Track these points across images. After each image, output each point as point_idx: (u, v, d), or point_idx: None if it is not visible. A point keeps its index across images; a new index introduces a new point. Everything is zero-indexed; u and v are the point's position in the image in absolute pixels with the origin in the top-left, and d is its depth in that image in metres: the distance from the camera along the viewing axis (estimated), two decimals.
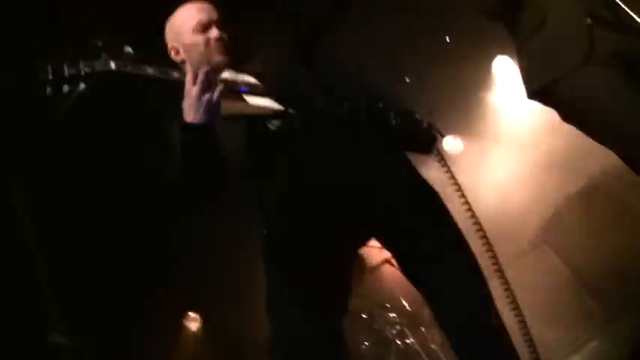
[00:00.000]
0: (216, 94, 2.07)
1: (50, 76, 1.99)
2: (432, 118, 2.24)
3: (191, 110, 2.05)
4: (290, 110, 2.22)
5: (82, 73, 2.00)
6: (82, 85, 2.00)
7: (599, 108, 2.12)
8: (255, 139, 2.19)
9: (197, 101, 2.04)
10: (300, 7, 2.43)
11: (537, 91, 2.26)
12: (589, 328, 4.36)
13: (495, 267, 2.28)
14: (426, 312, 4.30)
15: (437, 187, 2.27)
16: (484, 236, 2.26)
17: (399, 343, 4.64)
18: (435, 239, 2.16)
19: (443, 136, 2.32)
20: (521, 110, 5.66)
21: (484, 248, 2.27)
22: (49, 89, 1.99)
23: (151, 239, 4.97)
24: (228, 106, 2.13)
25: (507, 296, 2.28)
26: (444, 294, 2.14)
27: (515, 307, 2.27)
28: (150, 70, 2.13)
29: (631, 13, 2.02)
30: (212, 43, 2.31)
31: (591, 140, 2.21)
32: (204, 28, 2.33)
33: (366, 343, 4.69)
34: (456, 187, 2.26)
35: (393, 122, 2.18)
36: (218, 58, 2.29)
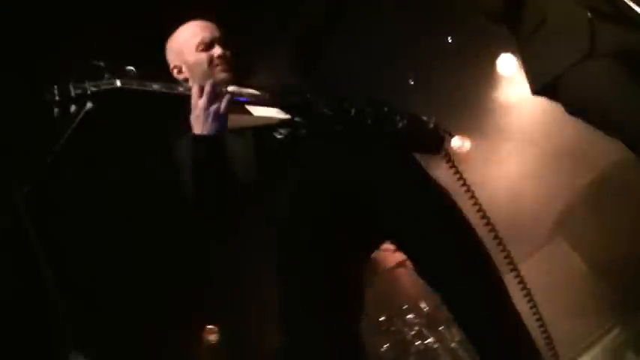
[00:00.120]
0: (223, 104, 2.08)
1: (57, 97, 2.01)
2: (439, 119, 2.25)
3: (199, 122, 2.07)
4: (296, 118, 2.23)
5: (89, 92, 2.03)
6: (89, 104, 2.02)
7: (603, 101, 2.12)
8: (262, 149, 2.20)
9: (205, 112, 2.06)
10: (299, 9, 2.44)
11: (541, 88, 2.26)
12: (609, 318, 4.34)
13: (509, 264, 2.27)
14: (443, 311, 4.29)
15: (447, 187, 2.28)
16: (496, 235, 2.25)
17: (418, 344, 4.64)
18: (447, 239, 2.16)
19: (451, 135, 2.32)
20: (528, 106, 5.65)
21: (497, 246, 2.26)
22: (56, 110, 2.01)
23: (167, 253, 4.99)
24: (234, 120, 2.14)
25: (524, 294, 2.26)
26: (460, 293, 2.14)
27: (532, 303, 2.26)
28: (155, 86, 2.15)
29: (631, 4, 2.02)
30: (215, 60, 2.32)
31: (600, 132, 2.21)
32: (207, 46, 2.34)
33: (386, 346, 4.68)
34: (465, 187, 2.26)
35: (400, 125, 2.18)
36: (222, 75, 2.30)
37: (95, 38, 3.82)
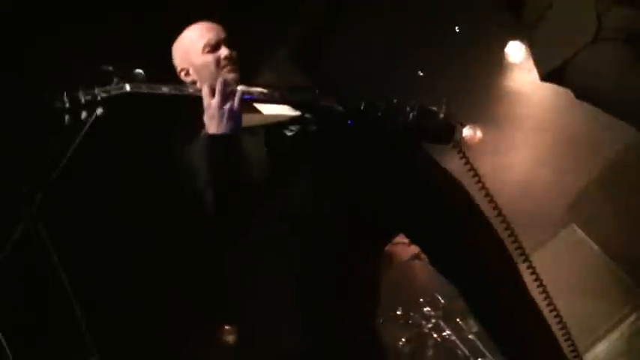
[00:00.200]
0: (236, 102, 2.08)
1: (67, 105, 2.02)
2: (449, 108, 2.24)
3: (214, 122, 2.07)
4: (306, 115, 2.24)
5: (99, 98, 2.03)
6: (100, 110, 2.03)
7: (612, 84, 2.11)
8: (274, 147, 2.21)
9: (219, 112, 2.06)
10: (299, 9, 2.43)
11: (550, 74, 2.25)
12: (627, 303, 4.32)
13: (521, 254, 2.26)
14: (460, 303, 4.29)
15: (458, 176, 2.28)
16: (507, 227, 2.24)
17: (435, 336, 4.64)
18: (460, 230, 2.16)
19: (462, 125, 2.31)
20: (538, 93, 5.63)
21: (508, 237, 2.26)
22: (67, 117, 2.02)
23: (182, 255, 5.01)
24: (245, 119, 2.14)
25: (537, 284, 2.25)
26: (475, 283, 2.14)
27: (546, 294, 2.25)
28: (165, 89, 2.15)
29: None
30: (222, 61, 2.33)
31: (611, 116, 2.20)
32: (213, 47, 2.35)
33: (403, 340, 4.69)
34: (476, 177, 2.25)
35: (410, 117, 2.18)
36: (229, 75, 2.30)
37: (100, 41, 3.84)
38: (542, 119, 5.75)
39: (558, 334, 2.20)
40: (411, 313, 4.73)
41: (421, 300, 4.79)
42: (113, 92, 2.06)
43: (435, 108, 2.23)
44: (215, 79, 2.17)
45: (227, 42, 2.37)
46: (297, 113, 2.25)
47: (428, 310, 4.71)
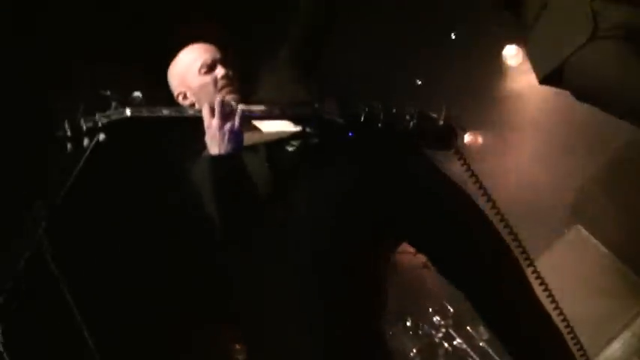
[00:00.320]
0: (237, 121, 2.08)
1: (68, 132, 2.02)
2: (449, 114, 2.24)
3: (215, 142, 2.07)
4: (307, 129, 2.24)
5: (100, 124, 2.04)
6: (102, 136, 2.03)
7: (611, 82, 2.10)
8: (276, 163, 2.21)
9: (220, 132, 2.06)
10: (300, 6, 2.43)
11: (548, 75, 2.25)
12: (637, 301, 4.31)
13: (525, 258, 2.26)
14: (469, 310, 4.28)
15: (460, 181, 2.28)
16: (511, 231, 2.24)
17: (446, 345, 4.62)
18: (464, 235, 2.16)
19: (463, 130, 2.31)
20: (537, 95, 5.64)
21: (512, 241, 2.26)
22: (69, 145, 2.03)
23: (194, 274, 5.01)
24: (246, 138, 2.15)
25: (542, 289, 2.25)
26: (483, 290, 2.14)
27: (552, 298, 2.25)
28: (165, 111, 2.15)
29: None
30: (220, 81, 2.33)
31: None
32: (210, 67, 2.35)
33: (414, 351, 4.67)
34: (477, 183, 2.25)
35: (410, 125, 2.18)
36: (229, 96, 2.30)
37: (95, 66, 3.85)
38: (542, 121, 5.76)
39: (567, 337, 2.20)
40: (421, 324, 4.72)
41: (430, 309, 4.78)
42: (114, 117, 2.06)
43: (434, 114, 2.23)
44: (213, 100, 2.16)
45: (223, 61, 2.37)
46: (297, 128, 2.25)
47: (437, 320, 4.71)
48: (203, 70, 2.35)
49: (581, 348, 2.23)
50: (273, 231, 2.31)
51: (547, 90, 2.46)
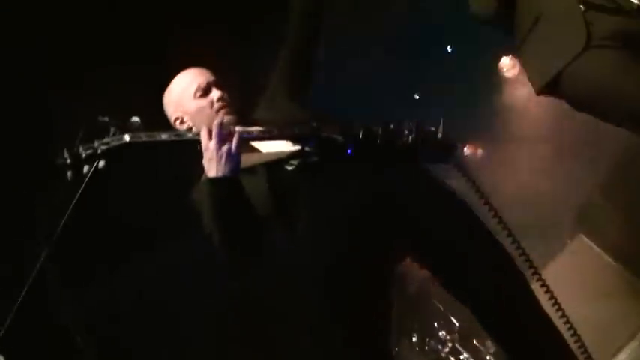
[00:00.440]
0: (234, 144, 2.09)
1: (68, 161, 2.03)
2: (448, 128, 2.25)
3: (213, 165, 2.08)
4: (306, 148, 2.25)
5: (99, 151, 2.04)
6: (102, 163, 2.04)
7: (607, 90, 2.11)
8: (275, 183, 2.21)
9: (217, 154, 2.07)
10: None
11: (545, 86, 2.26)
12: None
13: (531, 270, 2.26)
14: (475, 323, 4.26)
15: (462, 194, 2.28)
16: (514, 241, 2.24)
17: None
18: (468, 249, 2.16)
19: (462, 144, 2.32)
20: (535, 106, 5.65)
21: (515, 250, 2.25)
22: (69, 173, 2.03)
23: (190, 297, 4.99)
24: (245, 159, 2.15)
25: (550, 300, 2.24)
26: (487, 304, 2.13)
27: (558, 306, 2.24)
28: (164, 136, 2.16)
29: None
30: (216, 104, 2.34)
31: None
32: (205, 90, 2.36)
33: None
34: (479, 194, 2.25)
35: (409, 140, 2.19)
36: (226, 118, 2.31)
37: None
38: (542, 131, 5.76)
39: (574, 346, 2.19)
40: (427, 339, 4.69)
41: (436, 324, 4.76)
42: (113, 144, 2.07)
43: (433, 128, 2.24)
44: (211, 122, 2.18)
45: (217, 84, 2.38)
46: (296, 147, 2.25)
47: (443, 334, 4.68)
48: (198, 94, 2.36)
49: (589, 357, 2.22)
50: (273, 250, 2.31)
51: (545, 100, 2.47)
